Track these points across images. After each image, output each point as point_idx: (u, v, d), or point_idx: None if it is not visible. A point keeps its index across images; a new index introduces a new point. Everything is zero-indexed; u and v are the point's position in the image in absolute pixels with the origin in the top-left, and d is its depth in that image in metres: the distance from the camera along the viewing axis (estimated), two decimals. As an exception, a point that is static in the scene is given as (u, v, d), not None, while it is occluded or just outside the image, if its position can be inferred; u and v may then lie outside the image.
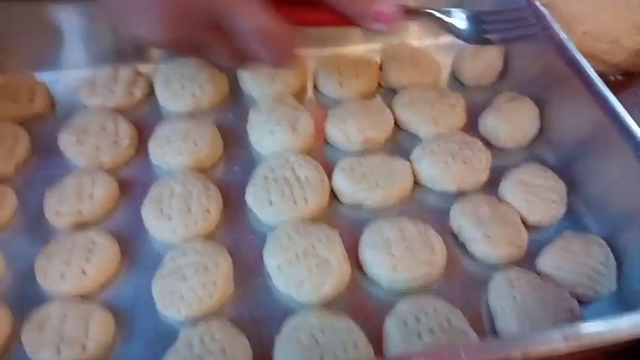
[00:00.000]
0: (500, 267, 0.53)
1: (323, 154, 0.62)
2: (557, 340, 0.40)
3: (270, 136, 0.60)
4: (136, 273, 0.52)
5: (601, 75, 0.58)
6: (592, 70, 0.58)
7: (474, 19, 0.56)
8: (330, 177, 0.58)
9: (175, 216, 0.53)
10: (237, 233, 0.55)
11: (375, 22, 0.50)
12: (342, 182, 0.57)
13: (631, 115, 0.54)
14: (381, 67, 0.70)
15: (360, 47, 0.74)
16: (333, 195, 0.58)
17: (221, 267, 0.50)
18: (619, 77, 0.64)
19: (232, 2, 0.48)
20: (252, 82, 0.66)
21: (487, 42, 0.56)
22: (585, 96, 0.57)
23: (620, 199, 0.54)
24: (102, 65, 0.67)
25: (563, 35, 0.62)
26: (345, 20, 0.52)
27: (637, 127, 0.53)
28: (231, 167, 0.61)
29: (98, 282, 0.51)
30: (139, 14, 0.48)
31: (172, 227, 0.53)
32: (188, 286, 0.48)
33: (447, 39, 0.74)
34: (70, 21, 0.68)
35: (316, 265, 0.50)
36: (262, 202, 0.55)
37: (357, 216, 0.57)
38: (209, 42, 0.51)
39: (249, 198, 0.56)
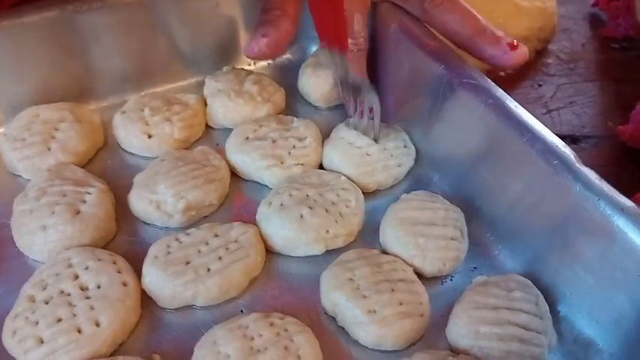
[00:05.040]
0: (401, 355, 0.37)
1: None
2: None
3: (42, 233, 0.41)
4: None
5: (487, 74, 0.43)
6: (475, 70, 0.43)
7: None
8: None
9: None
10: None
11: None
12: (155, 279, 0.39)
13: (533, 114, 0.40)
14: (206, 104, 0.53)
15: (179, 84, 0.57)
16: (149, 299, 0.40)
17: None
18: (509, 71, 0.51)
19: None
20: (11, 155, 0.46)
21: None
22: (472, 102, 0.42)
23: (534, 220, 0.40)
24: None
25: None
26: None
27: (543, 127, 0.39)
28: (-10, 292, 0.40)
29: None
30: None
31: None
32: None
33: (283, 56, 0.60)
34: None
35: None
36: (26, 343, 0.35)
37: (186, 325, 0.39)
38: None
39: (6, 339, 0.36)
